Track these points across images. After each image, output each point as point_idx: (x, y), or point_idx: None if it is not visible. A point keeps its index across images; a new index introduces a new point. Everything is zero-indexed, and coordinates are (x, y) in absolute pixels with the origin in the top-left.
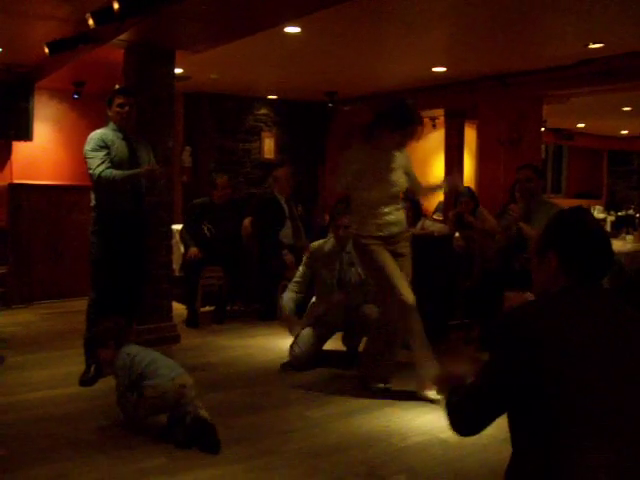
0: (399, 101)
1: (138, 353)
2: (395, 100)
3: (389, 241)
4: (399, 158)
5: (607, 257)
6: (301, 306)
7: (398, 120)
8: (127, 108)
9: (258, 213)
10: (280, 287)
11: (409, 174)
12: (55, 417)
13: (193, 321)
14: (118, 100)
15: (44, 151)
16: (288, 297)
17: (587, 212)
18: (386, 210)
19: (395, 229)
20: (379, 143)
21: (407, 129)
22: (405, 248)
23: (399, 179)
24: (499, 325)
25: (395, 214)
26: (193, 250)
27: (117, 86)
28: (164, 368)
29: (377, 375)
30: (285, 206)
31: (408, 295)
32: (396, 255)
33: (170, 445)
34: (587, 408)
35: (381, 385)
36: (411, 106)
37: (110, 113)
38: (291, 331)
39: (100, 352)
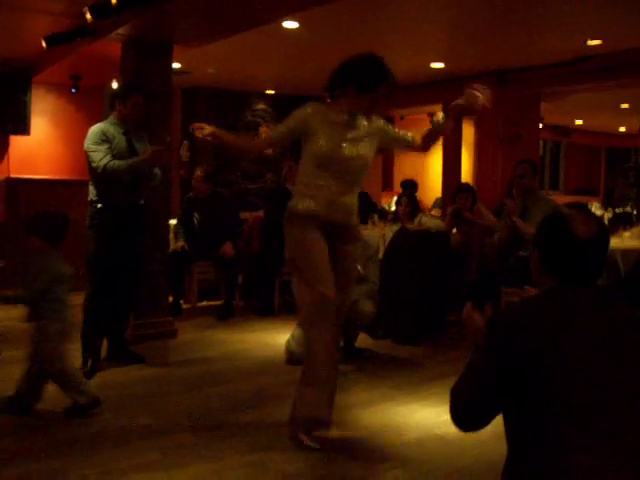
0: (367, 55)
1: (62, 277)
2: (362, 54)
3: (328, 227)
4: (367, 125)
5: (590, 266)
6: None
7: (368, 79)
8: (142, 107)
9: (268, 204)
10: (278, 283)
11: (387, 137)
12: (50, 412)
13: (175, 309)
14: (136, 98)
15: (41, 145)
16: None
17: (579, 215)
18: (333, 188)
19: (339, 215)
20: (339, 103)
21: (378, 90)
22: (351, 245)
23: (360, 151)
24: (493, 321)
25: (346, 197)
26: (179, 243)
27: (115, 80)
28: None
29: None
30: None
31: (329, 291)
32: (336, 247)
33: (165, 440)
34: (578, 406)
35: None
36: (382, 61)
37: (120, 108)
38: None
39: (31, 238)
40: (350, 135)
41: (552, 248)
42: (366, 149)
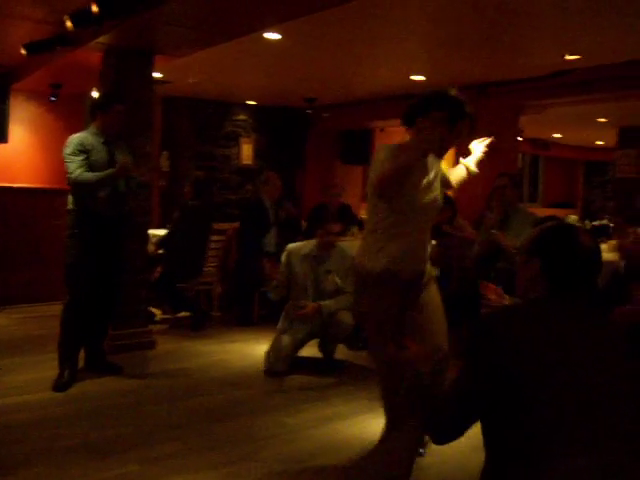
0: (443, 90)
1: None
2: (437, 89)
3: (415, 281)
4: (436, 161)
5: (591, 277)
6: (278, 307)
7: (456, 108)
8: (124, 116)
9: (243, 215)
10: (257, 294)
11: (444, 176)
12: (28, 423)
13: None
14: (118, 107)
15: (20, 153)
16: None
17: (582, 230)
18: (424, 237)
19: (425, 266)
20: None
21: (457, 125)
22: (434, 290)
23: (438, 191)
24: (475, 330)
25: (429, 242)
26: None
27: (95, 89)
28: None
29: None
30: (271, 211)
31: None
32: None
33: (143, 452)
34: (559, 414)
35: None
36: (460, 98)
37: (103, 118)
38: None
39: None
40: (431, 177)
41: (561, 256)
42: (439, 190)
